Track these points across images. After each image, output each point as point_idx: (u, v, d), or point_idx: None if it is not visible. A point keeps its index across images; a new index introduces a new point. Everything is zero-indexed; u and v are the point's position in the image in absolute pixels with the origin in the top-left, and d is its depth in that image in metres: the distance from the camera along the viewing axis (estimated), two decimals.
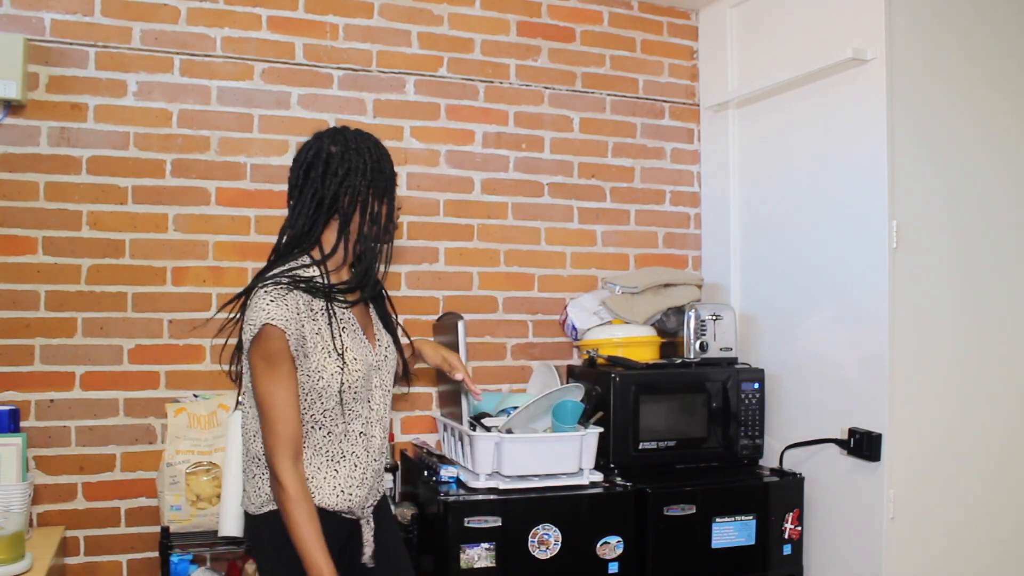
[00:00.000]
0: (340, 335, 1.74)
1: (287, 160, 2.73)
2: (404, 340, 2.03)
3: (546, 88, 3.08)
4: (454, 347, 2.26)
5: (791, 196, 2.84)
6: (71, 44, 2.53)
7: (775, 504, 2.62)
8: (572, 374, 2.96)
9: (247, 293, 1.73)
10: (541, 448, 2.41)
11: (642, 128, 3.22)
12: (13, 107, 2.46)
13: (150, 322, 2.59)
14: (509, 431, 2.41)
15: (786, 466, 2.74)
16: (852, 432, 2.52)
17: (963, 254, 2.57)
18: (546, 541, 2.34)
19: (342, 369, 1.72)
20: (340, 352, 1.72)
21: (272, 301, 1.65)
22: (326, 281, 1.75)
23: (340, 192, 1.73)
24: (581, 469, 2.46)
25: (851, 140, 2.57)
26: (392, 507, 2.19)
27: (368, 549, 1.83)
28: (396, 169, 1.84)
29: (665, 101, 3.26)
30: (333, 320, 1.73)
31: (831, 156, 2.66)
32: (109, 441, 2.54)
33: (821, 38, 2.66)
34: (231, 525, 2.28)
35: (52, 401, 2.50)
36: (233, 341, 1.82)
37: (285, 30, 2.75)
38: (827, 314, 2.68)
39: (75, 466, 2.51)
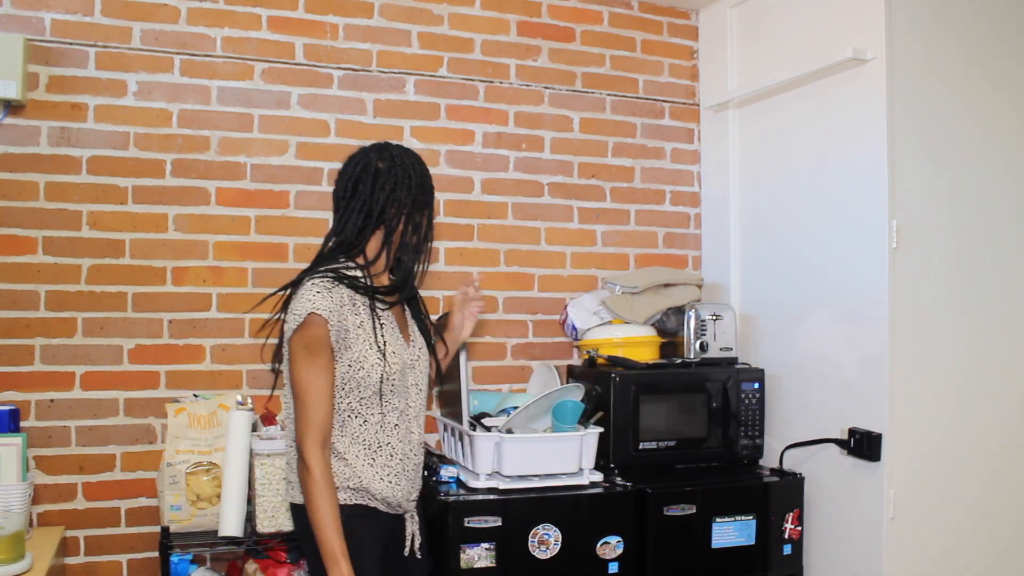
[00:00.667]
0: (381, 331, 1.84)
1: (287, 160, 2.74)
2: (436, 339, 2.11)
3: (546, 88, 3.08)
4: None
5: (791, 196, 2.84)
6: (71, 44, 2.53)
7: (775, 504, 2.62)
8: (572, 374, 2.96)
9: (293, 286, 1.83)
10: (541, 448, 2.42)
11: (642, 128, 3.22)
12: (13, 107, 2.46)
13: (150, 322, 2.59)
14: (509, 431, 2.41)
15: (786, 466, 2.74)
16: (852, 432, 2.52)
17: (963, 254, 2.57)
18: (546, 541, 2.34)
19: (382, 362, 1.82)
20: (380, 346, 1.82)
21: (319, 292, 1.76)
22: (369, 283, 1.86)
23: (387, 204, 1.88)
24: (581, 469, 2.46)
25: (851, 140, 2.57)
26: None
27: (416, 542, 1.95)
28: None
29: (665, 101, 3.26)
30: (375, 315, 1.83)
31: (831, 156, 2.66)
32: (109, 441, 2.54)
33: (821, 38, 2.66)
34: (231, 525, 2.29)
35: (52, 401, 2.50)
36: (272, 342, 1.95)
37: (285, 30, 2.75)
38: (827, 314, 2.68)
39: (75, 466, 2.51)
